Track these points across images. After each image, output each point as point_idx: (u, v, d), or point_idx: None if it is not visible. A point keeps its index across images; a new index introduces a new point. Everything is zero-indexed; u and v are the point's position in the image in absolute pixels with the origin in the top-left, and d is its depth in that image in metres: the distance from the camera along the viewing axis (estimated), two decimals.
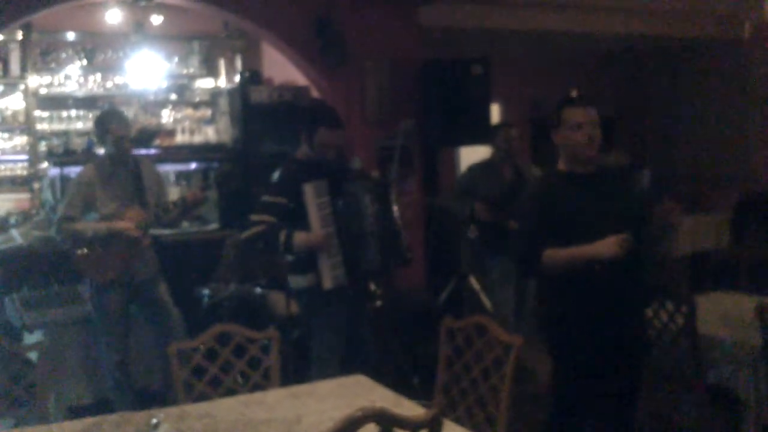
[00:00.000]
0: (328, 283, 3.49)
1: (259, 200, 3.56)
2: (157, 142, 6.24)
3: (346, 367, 3.43)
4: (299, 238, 3.43)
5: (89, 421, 2.41)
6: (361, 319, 3.73)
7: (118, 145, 3.92)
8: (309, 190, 3.46)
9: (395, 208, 3.68)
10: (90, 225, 3.89)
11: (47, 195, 5.47)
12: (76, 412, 3.97)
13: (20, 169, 6.21)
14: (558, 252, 2.79)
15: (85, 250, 3.88)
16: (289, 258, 3.62)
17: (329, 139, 3.51)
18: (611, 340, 2.83)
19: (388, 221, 3.61)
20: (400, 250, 3.65)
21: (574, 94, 3.12)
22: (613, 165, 3.29)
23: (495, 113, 7.48)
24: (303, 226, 3.46)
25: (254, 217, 3.49)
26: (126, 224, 3.85)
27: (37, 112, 6.19)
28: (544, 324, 3.02)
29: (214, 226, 5.50)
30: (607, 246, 2.70)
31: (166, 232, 4.78)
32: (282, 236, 3.42)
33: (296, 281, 3.65)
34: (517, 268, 3.66)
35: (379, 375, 2.96)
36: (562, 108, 2.90)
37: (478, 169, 5.19)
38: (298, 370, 3.91)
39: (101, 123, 4.00)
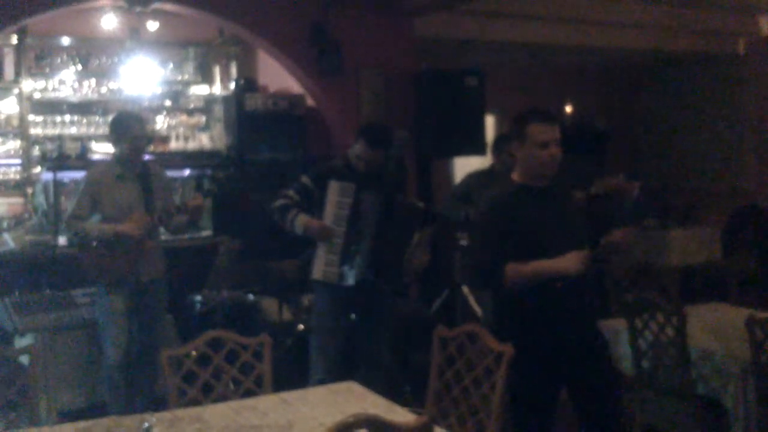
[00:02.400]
0: (317, 274, 3.66)
1: (297, 179, 3.78)
2: (151, 148, 6.23)
3: (353, 371, 3.57)
4: (301, 220, 3.62)
5: (80, 425, 2.41)
6: (367, 329, 3.80)
7: (135, 145, 3.95)
8: (334, 187, 3.64)
9: (417, 246, 3.73)
10: (96, 226, 3.92)
11: (40, 199, 5.45)
12: (67, 417, 3.96)
13: (13, 174, 6.19)
14: (521, 267, 2.79)
15: (92, 251, 3.89)
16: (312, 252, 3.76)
17: (363, 154, 3.66)
18: (567, 349, 2.85)
19: (392, 247, 3.69)
20: (395, 279, 3.76)
21: (567, 107, 3.14)
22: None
23: (489, 125, 7.51)
24: (319, 215, 3.65)
25: (286, 191, 3.72)
26: (130, 227, 3.87)
27: (31, 117, 6.18)
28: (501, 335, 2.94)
29: (207, 232, 5.50)
30: (570, 262, 2.73)
31: (161, 237, 4.77)
32: (291, 215, 3.62)
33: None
34: (475, 278, 3.66)
35: (371, 382, 2.97)
36: (527, 123, 2.89)
37: (477, 177, 5.21)
38: (290, 376, 3.91)
39: (119, 123, 4.04)
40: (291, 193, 3.71)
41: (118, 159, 4.04)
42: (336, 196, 3.63)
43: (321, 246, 3.65)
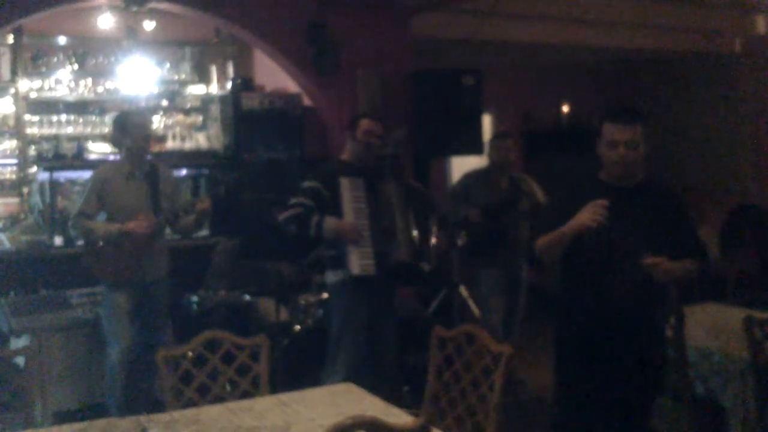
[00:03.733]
0: (355, 269, 3.71)
1: (299, 186, 3.85)
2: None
3: (364, 368, 3.64)
4: (330, 223, 3.70)
5: (75, 426, 2.40)
6: (382, 327, 3.87)
7: (139, 135, 3.95)
8: (345, 184, 3.73)
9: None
10: (102, 225, 3.91)
11: (36, 199, 5.43)
12: (62, 418, 3.94)
13: (9, 173, 6.16)
14: (547, 236, 2.81)
15: (98, 251, 3.88)
16: (330, 253, 3.84)
17: (371, 127, 3.86)
18: (621, 361, 2.77)
19: (423, 228, 3.89)
20: (425, 252, 3.91)
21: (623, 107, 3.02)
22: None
23: (486, 124, 7.51)
24: (335, 215, 3.72)
25: (293, 200, 3.79)
26: (137, 224, 3.85)
27: (27, 116, 6.16)
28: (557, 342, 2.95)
29: (204, 233, 5.49)
30: (583, 215, 2.69)
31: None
32: (314, 220, 3.70)
33: (330, 276, 3.88)
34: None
35: (376, 381, 2.96)
36: (603, 120, 2.84)
37: (473, 176, 5.19)
38: (287, 377, 3.90)
39: (120, 120, 4.07)
40: (302, 199, 3.77)
41: (127, 158, 4.03)
42: (350, 192, 3.73)
43: (350, 242, 3.72)
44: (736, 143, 8.28)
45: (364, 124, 3.87)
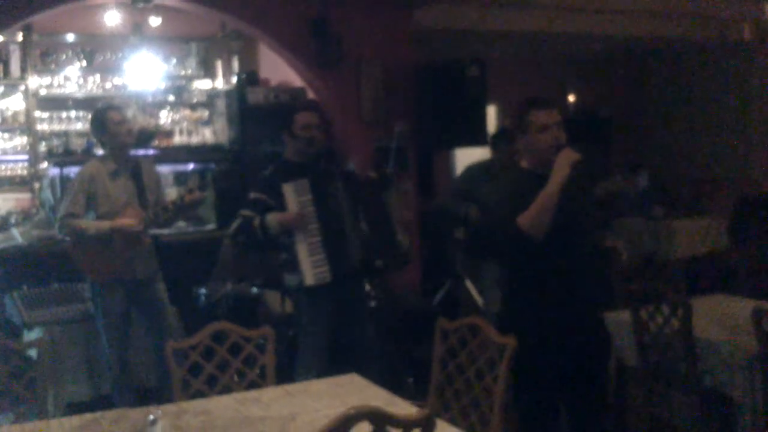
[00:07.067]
0: (309, 280, 3.56)
1: (246, 197, 3.69)
2: (156, 142, 6.27)
3: (340, 367, 3.47)
4: (272, 218, 3.54)
5: (88, 417, 2.44)
6: (354, 319, 3.77)
7: (118, 133, 3.88)
8: (289, 190, 3.56)
9: (393, 209, 3.76)
10: (92, 223, 3.88)
11: (47, 195, 5.49)
12: (74, 409, 3.99)
13: (20, 169, 6.24)
14: (529, 209, 2.80)
15: (86, 250, 3.88)
16: (283, 256, 3.69)
17: (308, 119, 3.65)
18: (567, 343, 2.87)
19: (376, 221, 3.70)
20: (394, 251, 3.73)
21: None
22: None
23: (491, 115, 7.50)
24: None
25: (240, 213, 3.63)
26: (128, 220, 3.84)
27: (37, 113, 6.23)
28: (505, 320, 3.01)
29: (211, 226, 5.53)
30: (558, 170, 2.76)
31: (165, 231, 4.80)
32: (256, 223, 3.54)
33: (289, 279, 3.74)
34: (488, 247, 3.72)
35: (374, 375, 2.98)
36: (527, 111, 2.91)
37: (476, 169, 5.18)
38: (292, 367, 3.93)
39: (98, 118, 3.98)
40: (246, 212, 3.61)
41: (110, 155, 3.98)
42: (294, 197, 3.55)
43: (302, 251, 3.56)
44: (746, 131, 8.22)
45: (300, 118, 3.64)
